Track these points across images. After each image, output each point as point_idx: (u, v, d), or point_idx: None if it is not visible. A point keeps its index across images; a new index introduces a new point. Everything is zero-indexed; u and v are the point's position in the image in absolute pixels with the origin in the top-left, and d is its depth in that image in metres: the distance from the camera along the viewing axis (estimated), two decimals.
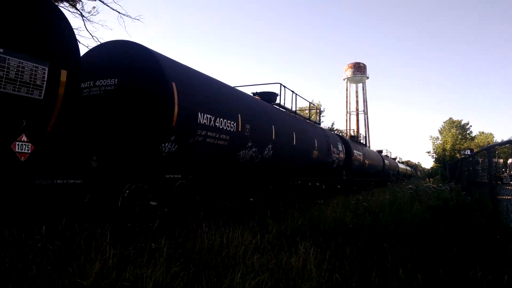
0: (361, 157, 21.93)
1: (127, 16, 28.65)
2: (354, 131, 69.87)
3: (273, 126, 10.84)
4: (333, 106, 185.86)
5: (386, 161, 32.89)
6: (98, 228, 4.86)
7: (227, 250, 5.16)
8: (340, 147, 17.70)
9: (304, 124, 14.48)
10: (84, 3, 19.54)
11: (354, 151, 20.50)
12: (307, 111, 18.40)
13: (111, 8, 13.19)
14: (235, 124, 8.68)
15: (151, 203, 6.59)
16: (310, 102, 16.67)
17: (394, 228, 6.90)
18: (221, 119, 8.16)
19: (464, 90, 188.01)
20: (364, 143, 27.66)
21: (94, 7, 18.96)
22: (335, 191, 16.05)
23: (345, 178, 18.77)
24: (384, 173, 31.01)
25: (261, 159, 10.23)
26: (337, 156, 16.95)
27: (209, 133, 7.75)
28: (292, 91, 14.51)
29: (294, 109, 14.57)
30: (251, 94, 12.63)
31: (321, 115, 45.89)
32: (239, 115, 8.92)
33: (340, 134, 24.38)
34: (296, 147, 12.31)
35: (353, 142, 22.59)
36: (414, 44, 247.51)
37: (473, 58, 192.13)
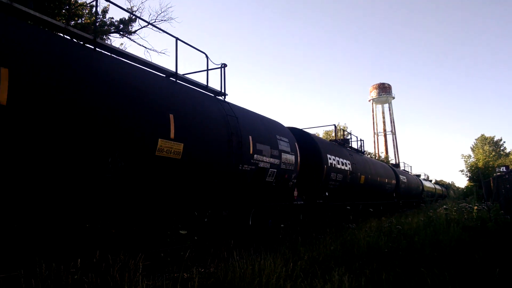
0: (346, 168, 13.84)
1: (153, 50, 29.55)
2: (383, 153, 68.82)
3: None
4: (360, 128, 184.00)
5: (402, 177, 24.26)
6: (131, 259, 4.91)
7: (259, 279, 5.10)
8: (284, 146, 9.63)
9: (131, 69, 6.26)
10: (112, 41, 20.40)
11: (329, 156, 12.52)
12: None
13: (138, 44, 13.73)
14: None
15: (181, 232, 6.62)
16: (174, 39, 7.49)
17: (431, 251, 6.68)
18: None
19: (496, 105, 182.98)
20: (362, 149, 19.10)
21: (121, 44, 19.77)
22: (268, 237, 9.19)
23: (302, 203, 10.84)
24: (400, 193, 23.26)
25: None
26: (271, 161, 8.82)
27: None
28: None
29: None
30: None
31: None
32: None
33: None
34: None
35: (328, 143, 14.34)
36: (439, 60, 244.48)
37: (503, 71, 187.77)
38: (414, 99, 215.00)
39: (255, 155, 8.26)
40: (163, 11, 24.26)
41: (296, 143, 10.54)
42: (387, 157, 60.41)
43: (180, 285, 4.72)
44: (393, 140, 77.09)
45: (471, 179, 60.51)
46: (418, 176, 37.94)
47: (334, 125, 16.25)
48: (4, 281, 4.34)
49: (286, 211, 10.14)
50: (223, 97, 8.69)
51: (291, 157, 9.87)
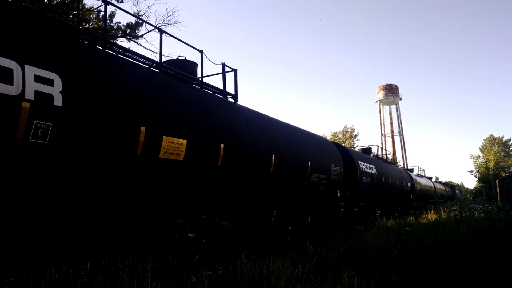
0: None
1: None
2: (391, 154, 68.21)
3: None
4: (368, 130, 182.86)
5: (363, 165, 14.26)
6: (140, 262, 4.91)
7: (268, 281, 5.08)
8: None
9: None
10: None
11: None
12: None
13: (144, 47, 13.83)
14: None
15: (189, 235, 6.62)
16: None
17: (440, 252, 6.62)
18: None
19: (504, 105, 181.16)
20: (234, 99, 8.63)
21: (128, 48, 19.93)
22: None
23: None
24: (357, 191, 13.42)
25: None
26: None
27: None
28: None
29: None
30: None
31: (355, 139, 45.24)
32: None
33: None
34: None
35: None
36: (447, 61, 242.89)
37: (510, 71, 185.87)
38: (422, 100, 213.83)
39: None
40: (170, 15, 24.40)
41: None
42: (395, 158, 59.91)
43: None
44: (400, 141, 76.57)
45: (480, 180, 59.91)
46: (410, 170, 29.30)
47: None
48: (14, 284, 4.36)
49: None
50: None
51: None
